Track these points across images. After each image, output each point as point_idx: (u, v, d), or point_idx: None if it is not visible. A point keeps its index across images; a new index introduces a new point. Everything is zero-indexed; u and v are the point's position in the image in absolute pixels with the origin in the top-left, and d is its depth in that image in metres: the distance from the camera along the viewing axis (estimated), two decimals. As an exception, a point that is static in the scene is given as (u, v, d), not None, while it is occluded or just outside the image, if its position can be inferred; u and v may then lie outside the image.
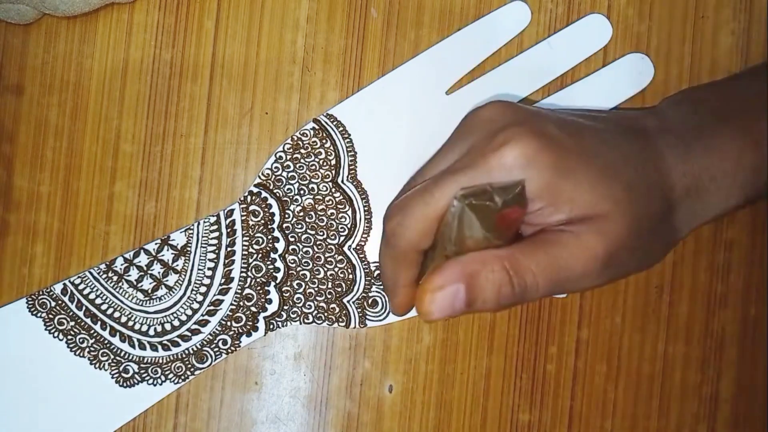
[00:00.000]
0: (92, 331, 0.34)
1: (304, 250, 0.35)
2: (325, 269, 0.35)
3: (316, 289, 0.35)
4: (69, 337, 0.34)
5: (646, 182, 0.27)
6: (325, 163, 0.35)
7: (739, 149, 0.28)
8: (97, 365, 0.34)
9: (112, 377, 0.34)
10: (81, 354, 0.34)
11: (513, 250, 0.26)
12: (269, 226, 0.35)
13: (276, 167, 0.35)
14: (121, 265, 0.34)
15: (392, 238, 0.28)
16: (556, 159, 0.26)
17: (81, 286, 0.34)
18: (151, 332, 0.34)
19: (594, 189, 0.26)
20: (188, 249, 0.34)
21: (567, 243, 0.26)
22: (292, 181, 0.35)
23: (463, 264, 0.26)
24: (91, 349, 0.34)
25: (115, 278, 0.34)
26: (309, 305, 0.34)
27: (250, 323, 0.34)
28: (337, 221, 0.35)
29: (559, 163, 0.26)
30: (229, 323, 0.34)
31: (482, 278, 0.26)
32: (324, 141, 0.35)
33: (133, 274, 0.34)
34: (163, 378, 0.34)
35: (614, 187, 0.27)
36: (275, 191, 0.35)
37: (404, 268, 0.29)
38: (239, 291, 0.34)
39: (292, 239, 0.35)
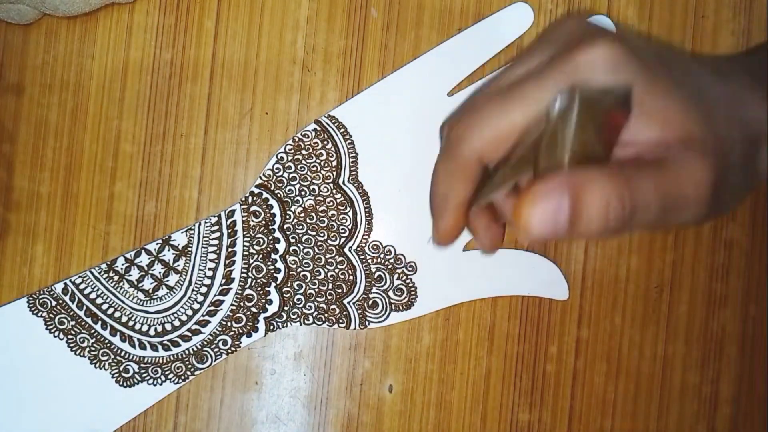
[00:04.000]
0: (93, 331, 0.34)
1: (305, 251, 0.35)
2: (326, 270, 0.35)
3: (317, 290, 0.35)
4: (69, 336, 0.34)
5: (734, 116, 0.25)
6: (326, 165, 0.35)
7: None
8: (97, 365, 0.34)
9: (113, 377, 0.34)
10: (81, 353, 0.34)
11: (622, 166, 0.22)
12: (270, 227, 0.35)
13: (277, 168, 0.35)
14: (122, 264, 0.34)
15: (456, 144, 0.25)
16: (645, 68, 0.23)
17: (82, 286, 0.34)
18: (152, 332, 0.34)
19: (687, 108, 0.23)
20: (189, 249, 0.34)
21: (679, 164, 0.23)
22: (294, 182, 0.35)
23: (568, 174, 0.22)
24: (92, 348, 0.34)
25: (115, 278, 0.34)
26: (309, 306, 0.34)
27: (251, 324, 0.34)
28: (338, 222, 0.35)
29: (649, 72, 0.23)
30: (229, 324, 0.34)
31: (591, 192, 0.22)
32: (325, 142, 0.35)
33: (134, 274, 0.34)
34: (163, 378, 0.34)
35: (707, 111, 0.24)
36: (276, 192, 0.35)
37: (461, 182, 0.25)
38: (240, 291, 0.34)
39: (292, 240, 0.35)
